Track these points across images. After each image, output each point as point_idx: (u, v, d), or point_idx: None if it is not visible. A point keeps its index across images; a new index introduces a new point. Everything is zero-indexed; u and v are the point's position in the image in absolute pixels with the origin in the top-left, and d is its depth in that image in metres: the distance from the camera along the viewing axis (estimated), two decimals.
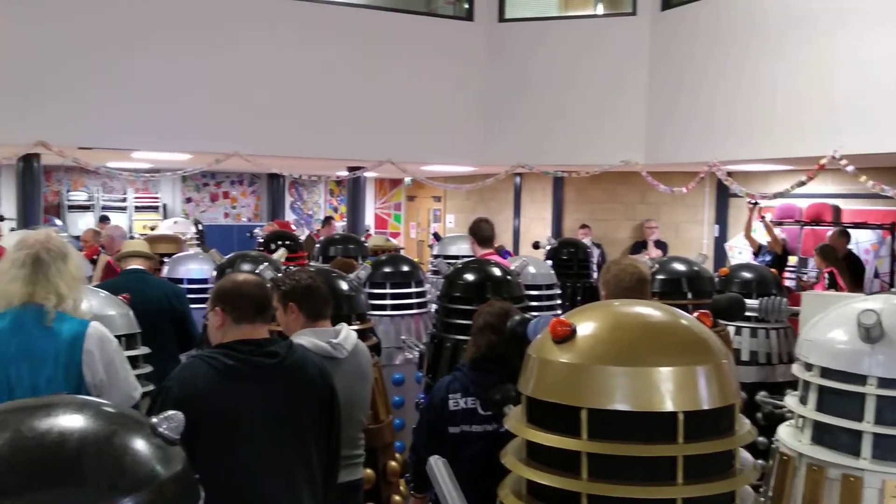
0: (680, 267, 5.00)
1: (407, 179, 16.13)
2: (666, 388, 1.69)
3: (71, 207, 14.95)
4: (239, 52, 9.31)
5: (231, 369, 2.66)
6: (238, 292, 2.78)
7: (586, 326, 1.80)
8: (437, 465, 1.90)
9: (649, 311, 1.91)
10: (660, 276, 4.83)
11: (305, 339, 3.17)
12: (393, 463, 3.91)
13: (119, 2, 8.80)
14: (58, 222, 13.72)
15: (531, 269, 5.47)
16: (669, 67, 9.47)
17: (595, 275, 7.12)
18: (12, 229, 9.73)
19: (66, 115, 8.54)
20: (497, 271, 4.40)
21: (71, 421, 1.31)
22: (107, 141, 9.01)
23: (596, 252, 9.95)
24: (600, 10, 11.21)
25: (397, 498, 3.90)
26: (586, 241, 9.36)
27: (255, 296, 2.79)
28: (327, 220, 12.87)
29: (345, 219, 13.80)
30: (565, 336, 1.77)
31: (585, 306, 2.02)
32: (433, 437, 3.23)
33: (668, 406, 1.69)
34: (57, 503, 1.18)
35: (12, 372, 2.76)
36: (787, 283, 8.67)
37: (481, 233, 5.74)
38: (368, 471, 3.59)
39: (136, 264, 5.05)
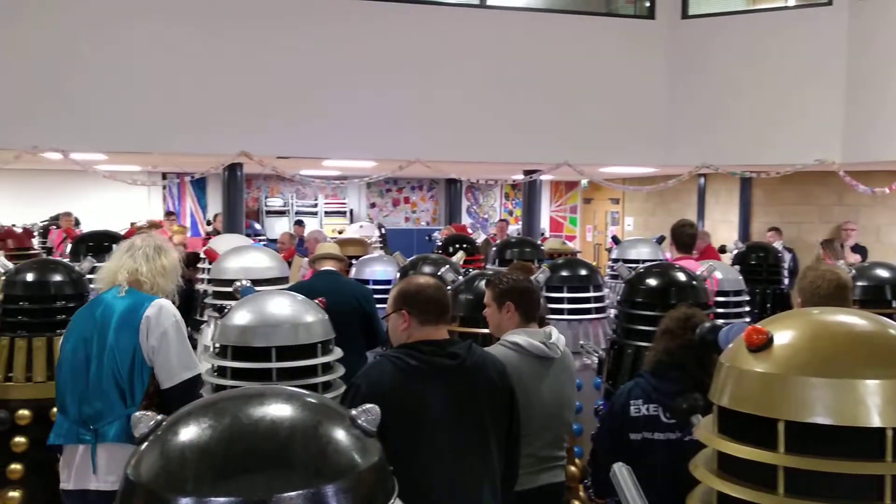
0: (883, 273, 4.64)
1: (583, 181, 15.95)
2: (873, 402, 1.58)
3: (268, 213, 16.10)
4: (420, 63, 9.62)
5: (414, 369, 2.74)
6: (423, 295, 2.88)
7: (784, 335, 1.71)
8: (622, 473, 1.86)
9: (853, 319, 1.78)
10: (861, 283, 4.50)
11: (520, 337, 3.25)
12: (572, 468, 3.90)
13: (309, 25, 9.35)
14: (257, 226, 14.79)
15: (718, 275, 5.24)
16: (872, 59, 8.78)
17: (786, 281, 6.72)
18: (218, 233, 10.57)
19: (266, 128, 9.20)
20: (681, 276, 4.24)
21: (281, 410, 1.39)
22: (301, 150, 9.62)
23: (787, 257, 9.35)
24: (791, 1, 10.59)
25: (577, 503, 3.89)
26: (777, 245, 8.83)
27: (439, 298, 2.89)
28: (501, 222, 13.01)
29: (520, 222, 13.88)
30: (761, 345, 1.69)
31: (782, 314, 1.92)
32: (614, 443, 3.18)
33: (876, 421, 1.57)
34: (268, 486, 1.25)
35: (91, 334, 3.26)
36: None
37: (680, 237, 5.54)
38: None
39: (328, 266, 5.33)
